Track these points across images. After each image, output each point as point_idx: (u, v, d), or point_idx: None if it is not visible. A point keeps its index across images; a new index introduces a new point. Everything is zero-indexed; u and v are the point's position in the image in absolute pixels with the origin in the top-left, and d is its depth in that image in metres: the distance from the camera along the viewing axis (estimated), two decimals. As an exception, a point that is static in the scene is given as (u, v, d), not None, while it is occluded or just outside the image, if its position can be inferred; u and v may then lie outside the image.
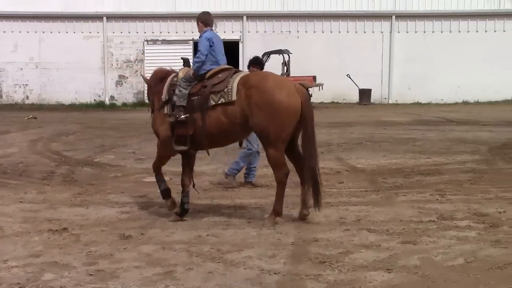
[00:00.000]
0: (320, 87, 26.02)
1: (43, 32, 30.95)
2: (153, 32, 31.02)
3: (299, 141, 7.42)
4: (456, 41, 30.36)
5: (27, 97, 31.18)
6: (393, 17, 30.82)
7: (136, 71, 31.03)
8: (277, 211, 7.35)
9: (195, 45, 30.38)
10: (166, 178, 10.58)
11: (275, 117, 7.10)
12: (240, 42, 30.46)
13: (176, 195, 8.14)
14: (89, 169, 11.78)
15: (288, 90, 7.20)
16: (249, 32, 30.52)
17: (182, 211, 7.75)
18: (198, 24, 8.27)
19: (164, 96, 7.86)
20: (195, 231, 7.04)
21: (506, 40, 30.31)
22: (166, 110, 7.80)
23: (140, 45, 31.01)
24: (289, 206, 7.88)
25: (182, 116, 7.55)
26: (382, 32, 30.99)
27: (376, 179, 10.30)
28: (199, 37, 8.04)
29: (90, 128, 19.52)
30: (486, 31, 30.78)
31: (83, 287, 5.29)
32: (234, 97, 7.32)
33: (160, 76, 8.15)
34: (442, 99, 30.29)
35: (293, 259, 5.96)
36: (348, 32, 30.87)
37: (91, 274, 5.56)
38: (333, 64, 29.02)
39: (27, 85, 31.17)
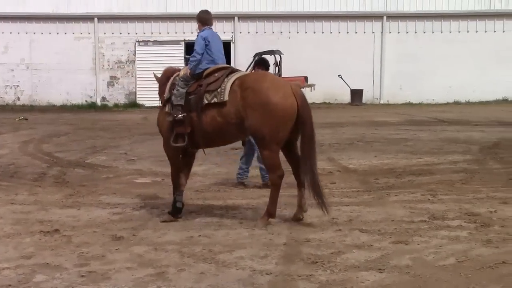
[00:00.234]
0: (312, 87, 26.04)
1: (34, 33, 30.82)
2: (144, 33, 30.95)
3: (298, 143, 7.40)
4: (447, 42, 30.46)
5: (18, 98, 31.05)
6: (385, 17, 30.89)
7: (128, 72, 30.98)
8: (270, 213, 7.35)
9: (187, 46, 30.49)
10: (158, 179, 10.63)
11: (270, 119, 7.07)
12: (231, 43, 30.44)
13: (169, 196, 8.12)
14: (81, 170, 11.75)
15: (284, 92, 7.16)
16: (240, 32, 30.52)
17: (175, 210, 7.73)
18: (197, 23, 8.29)
19: (166, 95, 7.91)
20: (187, 232, 7.04)
21: (496, 40, 30.44)
22: (167, 108, 7.82)
23: (131, 46, 30.94)
24: (282, 207, 7.87)
25: (180, 115, 7.57)
26: (373, 32, 31.05)
27: (368, 179, 10.32)
28: (197, 36, 8.04)
29: (81, 129, 19.47)
30: (476, 32, 30.90)
31: (75, 288, 5.29)
32: (226, 97, 7.32)
33: (167, 75, 8.19)
34: (433, 99, 30.38)
35: (285, 259, 5.97)
36: (339, 32, 30.91)
37: (82, 276, 5.54)
38: (324, 65, 29.05)
39: (18, 86, 31.03)
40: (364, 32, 31.01)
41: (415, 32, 31.04)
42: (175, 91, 7.71)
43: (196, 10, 29.81)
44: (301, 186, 7.42)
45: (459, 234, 6.78)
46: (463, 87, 30.11)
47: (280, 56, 26.51)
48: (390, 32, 31.03)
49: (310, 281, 5.34)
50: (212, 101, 7.42)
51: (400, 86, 30.63)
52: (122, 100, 31.05)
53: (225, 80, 7.46)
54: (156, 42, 30.83)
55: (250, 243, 6.53)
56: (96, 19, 30.71)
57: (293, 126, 7.20)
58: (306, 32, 30.79)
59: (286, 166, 7.54)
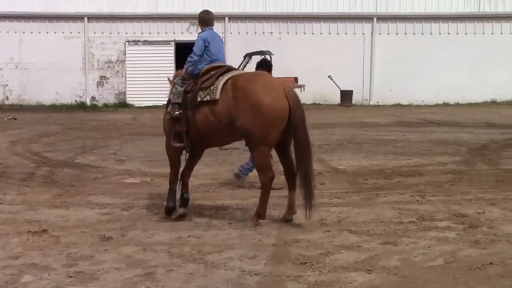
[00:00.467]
0: (302, 88, 26.07)
1: (23, 32, 30.67)
2: (134, 33, 30.87)
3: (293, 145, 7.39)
4: (437, 43, 30.59)
5: (7, 98, 30.88)
6: (374, 19, 30.97)
7: (118, 71, 30.90)
8: (259, 214, 7.34)
9: (177, 46, 30.44)
10: (147, 179, 10.61)
11: (260, 121, 7.04)
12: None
13: (158, 196, 8.09)
14: (70, 170, 11.71)
15: (276, 94, 7.11)
16: (231, 33, 30.50)
17: (183, 202, 7.82)
18: (198, 23, 8.32)
19: (168, 95, 8.02)
20: (176, 232, 7.03)
21: (485, 42, 30.58)
22: (168, 108, 7.88)
23: (121, 45, 30.85)
24: (271, 207, 7.87)
25: (176, 113, 7.64)
26: (363, 33, 31.13)
27: (357, 180, 10.34)
28: (197, 36, 8.07)
29: (70, 129, 19.40)
30: (466, 34, 31.03)
31: (63, 289, 5.27)
32: (217, 96, 7.32)
33: (176, 76, 8.23)
34: (422, 101, 30.49)
35: (274, 260, 5.97)
36: (329, 33, 30.97)
37: (71, 276, 5.52)
38: (314, 66, 29.07)
39: (7, 85, 30.87)
40: (354, 33, 31.07)
41: (405, 34, 31.13)
42: (173, 90, 7.83)
43: (186, 10, 30.08)
44: (292, 188, 7.43)
45: (447, 235, 6.81)
46: (452, 88, 30.24)
47: (270, 57, 26.48)
48: (380, 34, 31.11)
49: (299, 281, 5.34)
50: (205, 99, 7.44)
51: (389, 88, 30.72)
52: (111, 100, 30.95)
53: (219, 78, 7.47)
54: (146, 42, 30.76)
55: (239, 244, 6.53)
56: (86, 19, 30.60)
57: (285, 128, 7.16)
58: (296, 33, 30.82)
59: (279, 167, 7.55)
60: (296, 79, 26.60)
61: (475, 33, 31.03)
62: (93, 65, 31.00)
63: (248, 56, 26.65)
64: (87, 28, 30.72)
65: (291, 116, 7.11)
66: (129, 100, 30.42)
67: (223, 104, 7.28)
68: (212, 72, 7.64)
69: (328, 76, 29.37)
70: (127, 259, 6.04)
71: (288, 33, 30.77)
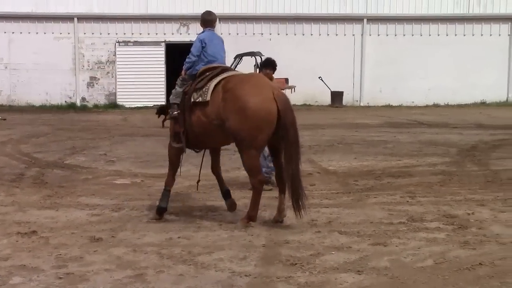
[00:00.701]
0: (292, 89, 26.08)
1: (13, 32, 30.47)
2: (124, 34, 30.77)
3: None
4: (427, 44, 30.66)
5: (-4, 98, 30.74)
6: (365, 20, 31.01)
7: (108, 72, 30.81)
8: (250, 216, 7.33)
9: (167, 47, 30.39)
10: (137, 180, 10.59)
11: (247, 124, 7.04)
12: (212, 44, 30.36)
13: (148, 197, 8.07)
14: (60, 171, 11.67)
15: (263, 97, 7.08)
16: (221, 34, 30.26)
17: (226, 195, 8.06)
18: (200, 24, 8.35)
19: None
20: (166, 233, 7.02)
21: (475, 44, 30.70)
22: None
23: (111, 46, 30.74)
24: (261, 208, 7.87)
25: (175, 113, 7.73)
26: (353, 35, 31.16)
27: (347, 181, 10.37)
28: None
29: (60, 130, 19.34)
30: (456, 35, 31.15)
31: (52, 290, 5.25)
32: (208, 97, 7.36)
33: None
34: (413, 102, 30.56)
35: (264, 261, 5.98)
36: (320, 34, 30.98)
37: (60, 278, 5.50)
38: (305, 67, 29.09)
39: (-4, 86, 30.73)
40: (345, 35, 31.11)
41: (395, 35, 31.20)
42: (173, 90, 7.91)
43: (176, 11, 30.09)
44: (282, 191, 7.43)
45: (437, 236, 6.84)
46: (442, 90, 30.33)
47: (261, 58, 26.49)
48: (370, 35, 31.16)
49: (289, 282, 5.35)
50: (197, 100, 7.48)
51: (380, 89, 30.77)
52: (102, 100, 30.84)
53: (212, 79, 7.49)
54: (136, 43, 30.67)
55: (230, 245, 6.53)
56: (76, 19, 30.46)
57: (274, 131, 7.14)
58: (286, 34, 30.83)
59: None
60: (286, 80, 26.59)
61: (464, 35, 31.14)
62: (83, 66, 30.88)
63: (239, 57, 26.65)
64: (77, 29, 30.59)
65: (281, 119, 7.07)
66: (120, 101, 30.33)
67: (214, 105, 7.30)
68: (207, 73, 7.65)
69: (319, 77, 29.40)
70: (117, 260, 6.02)
71: (278, 34, 30.79)
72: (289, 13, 30.75)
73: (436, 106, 30.42)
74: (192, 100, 7.53)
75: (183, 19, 30.62)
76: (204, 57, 7.86)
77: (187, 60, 7.94)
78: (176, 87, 7.89)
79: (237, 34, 30.52)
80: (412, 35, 31.10)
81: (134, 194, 9.37)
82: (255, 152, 7.23)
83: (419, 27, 31.11)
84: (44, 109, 29.14)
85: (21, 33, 30.49)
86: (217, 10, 29.99)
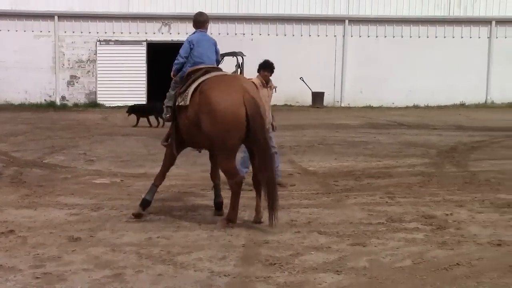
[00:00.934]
0: (274, 89, 26.06)
1: (-8, 30, 30.30)
2: (105, 32, 30.64)
3: None
4: (407, 46, 30.88)
5: (-25, 97, 30.45)
6: (346, 21, 31.14)
7: (88, 71, 30.64)
8: (230, 218, 7.30)
9: (149, 46, 30.29)
10: (117, 179, 10.54)
11: (217, 127, 7.05)
12: (194, 44, 30.31)
13: (127, 197, 8.02)
14: (38, 170, 11.58)
15: (232, 101, 7.02)
16: (203, 34, 30.39)
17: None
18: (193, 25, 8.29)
19: None
20: (145, 233, 6.99)
21: (455, 46, 30.97)
22: None
23: (92, 45, 30.59)
24: (241, 209, 7.86)
25: (167, 116, 7.83)
26: (335, 36, 31.28)
27: (328, 181, 10.39)
28: None
29: (40, 129, 19.20)
30: (436, 37, 31.38)
31: (30, 290, 5.21)
32: (188, 101, 7.42)
33: None
34: (393, 103, 30.74)
35: (244, 261, 5.97)
36: (301, 35, 31.06)
37: (37, 277, 5.46)
38: (286, 67, 29.02)
39: (-25, 84, 30.44)
40: (326, 35, 31.22)
41: (376, 36, 31.38)
42: (167, 94, 7.90)
43: (158, 10, 29.99)
44: (258, 193, 7.44)
45: (416, 236, 6.88)
46: (423, 91, 30.54)
47: (243, 58, 26.51)
48: (351, 36, 31.29)
49: (268, 282, 5.35)
50: (181, 104, 7.53)
51: (360, 89, 30.91)
52: (82, 99, 30.67)
53: (193, 83, 7.49)
54: (117, 42, 30.54)
55: (209, 245, 6.52)
56: (56, 17, 30.28)
57: (246, 134, 7.10)
58: (268, 34, 30.87)
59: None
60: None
61: (445, 37, 31.39)
62: (63, 65, 30.69)
63: (221, 57, 26.57)
64: (57, 27, 30.41)
65: (249, 122, 7.01)
66: (100, 100, 30.19)
67: (192, 109, 7.36)
68: (191, 76, 7.66)
69: (300, 78, 29.46)
70: (96, 260, 5.99)
71: (260, 34, 30.82)
72: (271, 13, 30.80)
73: (416, 107, 30.62)
74: (177, 103, 7.60)
75: (164, 19, 30.56)
76: (191, 59, 7.85)
77: (175, 61, 7.95)
78: (170, 90, 7.91)
79: (219, 34, 30.39)
80: (393, 36, 31.29)
81: (114, 193, 9.32)
82: (228, 155, 7.22)
83: (400, 28, 31.32)
84: (23, 107, 28.92)
85: (0, 30, 30.22)
86: (199, 10, 30.15)
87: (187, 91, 7.47)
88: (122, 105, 28.43)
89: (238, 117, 6.98)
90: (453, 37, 31.37)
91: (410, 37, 31.34)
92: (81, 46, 30.62)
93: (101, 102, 30.05)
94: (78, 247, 6.41)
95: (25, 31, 30.35)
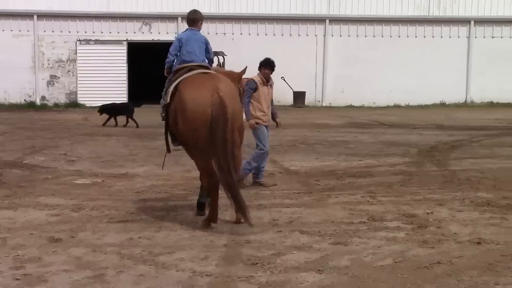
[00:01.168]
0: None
1: (-30, 29, 30.00)
2: (86, 32, 30.46)
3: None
4: (388, 45, 31.07)
5: (-47, 97, 30.11)
6: (327, 20, 31.25)
7: (69, 71, 30.45)
8: (210, 219, 7.27)
9: (129, 45, 30.16)
10: (98, 180, 10.48)
11: (187, 125, 7.13)
12: (174, 43, 30.27)
13: (108, 197, 7.95)
14: (18, 171, 11.47)
15: (199, 100, 7.02)
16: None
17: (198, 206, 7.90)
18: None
19: None
20: (127, 233, 6.95)
21: (435, 45, 31.23)
22: None
23: (72, 44, 30.40)
24: (222, 208, 7.85)
25: (163, 114, 7.81)
26: (316, 35, 31.38)
27: (309, 181, 10.41)
28: None
29: (19, 129, 19.04)
30: (416, 36, 31.60)
31: (10, 292, 5.16)
32: (167, 100, 7.52)
33: None
34: (374, 102, 30.89)
35: (226, 261, 5.97)
36: (282, 35, 31.12)
37: (17, 279, 5.41)
38: (268, 67, 29.14)
39: (-47, 84, 30.10)
40: (307, 35, 31.30)
41: (357, 36, 31.52)
42: (163, 93, 7.88)
43: (139, 9, 29.80)
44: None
45: (397, 235, 6.91)
46: (403, 90, 30.73)
47: (224, 58, 26.52)
48: (332, 35, 31.40)
49: (250, 282, 5.35)
50: (166, 102, 7.61)
51: (342, 89, 31.04)
52: (62, 99, 30.47)
53: (175, 80, 7.55)
54: (98, 41, 30.38)
55: (191, 245, 6.50)
56: (35, 17, 30.05)
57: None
58: (249, 34, 30.89)
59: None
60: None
61: (424, 36, 31.62)
62: (43, 64, 30.47)
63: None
64: (37, 26, 30.19)
65: (212, 122, 6.95)
66: (81, 100, 30.02)
67: (172, 107, 7.46)
68: (176, 75, 7.69)
69: (281, 77, 29.42)
70: (77, 261, 5.95)
71: (241, 34, 30.83)
72: (252, 13, 30.82)
73: (397, 106, 30.80)
74: (164, 102, 7.66)
75: (145, 18, 30.45)
76: (179, 57, 7.86)
77: (166, 60, 8.01)
78: (164, 89, 7.90)
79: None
80: (374, 36, 31.47)
81: (95, 194, 9.26)
82: (198, 152, 7.26)
83: (381, 28, 31.49)
84: (3, 108, 28.64)
85: (-22, 30, 29.97)
86: (180, 10, 30.15)
87: (168, 89, 7.54)
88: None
89: (204, 116, 6.98)
90: (433, 37, 31.62)
91: (391, 36, 31.52)
92: (61, 46, 30.42)
93: (81, 102, 29.88)
94: (59, 248, 6.36)
95: (3, 30, 30.10)
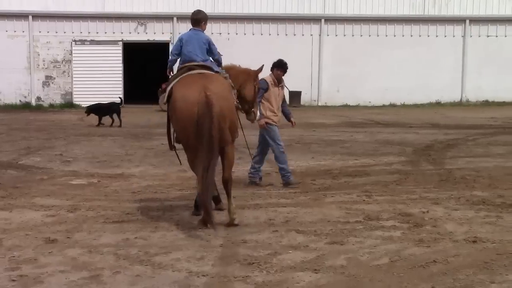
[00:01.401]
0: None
1: (-36, 29, 29.92)
2: (81, 32, 30.43)
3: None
4: (383, 45, 31.09)
5: None
6: (322, 20, 31.27)
7: (64, 71, 30.41)
8: (204, 221, 7.23)
9: (125, 46, 30.13)
10: (94, 180, 10.47)
11: (177, 124, 7.30)
12: (170, 44, 30.23)
13: (104, 198, 7.94)
14: (14, 171, 11.45)
15: (188, 99, 7.07)
16: (179, 33, 30.09)
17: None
18: None
19: None
20: (123, 234, 6.94)
21: (430, 45, 31.28)
22: None
23: (67, 45, 30.36)
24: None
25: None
26: (311, 35, 31.40)
27: (305, 180, 10.40)
28: None
29: (15, 130, 19.01)
30: (411, 36, 31.63)
31: (5, 293, 5.15)
32: (165, 99, 7.64)
33: None
34: (370, 102, 30.93)
35: (222, 261, 5.96)
36: (278, 34, 31.13)
37: (13, 280, 5.40)
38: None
39: None
40: (303, 35, 31.31)
41: (352, 35, 31.53)
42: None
43: (134, 10, 29.71)
44: (227, 194, 7.43)
45: (393, 234, 6.92)
46: (399, 90, 30.78)
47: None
48: (328, 35, 31.43)
49: (246, 282, 5.35)
50: (164, 101, 7.74)
51: (337, 88, 31.06)
52: (58, 100, 30.44)
53: (173, 80, 7.58)
54: (93, 42, 30.36)
55: (187, 245, 6.50)
56: (30, 17, 30.03)
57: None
58: (245, 34, 30.91)
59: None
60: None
61: (420, 36, 31.66)
62: (39, 65, 30.43)
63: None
64: (32, 27, 30.15)
65: (199, 121, 6.97)
66: (76, 100, 29.99)
67: (170, 106, 7.51)
68: (176, 74, 7.73)
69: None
70: (73, 261, 5.94)
71: (236, 33, 30.83)
72: (248, 12, 30.83)
73: (392, 105, 30.85)
74: (164, 102, 7.80)
75: (140, 18, 30.42)
76: (182, 57, 7.88)
77: (168, 59, 8.08)
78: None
79: (195, 33, 30.40)
80: (369, 35, 31.50)
81: (90, 194, 9.25)
82: (188, 151, 7.32)
83: (376, 27, 31.53)
84: (-2, 108, 28.60)
85: (-27, 30, 29.90)
86: (175, 10, 30.12)
87: (166, 89, 7.60)
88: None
89: (189, 117, 7.02)
90: (428, 36, 31.67)
91: (386, 36, 31.55)
92: (56, 46, 30.39)
93: (77, 103, 29.83)
94: (55, 249, 6.35)
95: (-2, 31, 30.08)
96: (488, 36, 31.96)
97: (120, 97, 21.77)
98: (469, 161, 12.45)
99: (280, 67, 10.00)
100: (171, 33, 30.41)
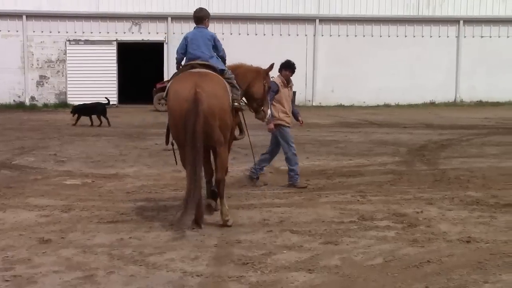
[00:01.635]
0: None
1: (-42, 29, 29.82)
2: (75, 32, 30.37)
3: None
4: (378, 45, 31.13)
5: None
6: (317, 20, 31.29)
7: (58, 71, 30.35)
8: (195, 220, 7.21)
9: (119, 46, 30.08)
10: (88, 180, 10.45)
11: (170, 121, 7.38)
12: (164, 44, 30.26)
13: (98, 198, 7.92)
14: (7, 171, 11.42)
15: (180, 97, 7.09)
16: (174, 33, 30.24)
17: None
18: None
19: None
20: (117, 234, 6.94)
21: (424, 45, 31.34)
22: None
23: (62, 45, 30.29)
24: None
25: None
26: (306, 35, 31.41)
27: (300, 180, 10.40)
28: None
29: (8, 130, 18.95)
30: (406, 36, 31.68)
31: (-1, 293, 5.14)
32: (164, 96, 7.75)
33: None
34: (364, 102, 30.96)
35: (216, 261, 5.97)
36: (272, 34, 31.14)
37: (7, 280, 5.39)
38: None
39: None
40: (297, 35, 31.33)
41: (347, 36, 31.55)
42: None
43: (128, 9, 29.65)
44: (219, 194, 7.46)
45: (387, 234, 6.93)
46: (393, 90, 30.83)
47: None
48: (322, 35, 31.45)
49: (241, 282, 5.35)
50: (164, 98, 7.93)
51: (332, 89, 31.08)
52: (52, 100, 30.38)
53: (173, 78, 7.70)
54: (87, 42, 30.30)
55: (181, 245, 6.50)
56: (24, 17, 29.94)
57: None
58: (239, 34, 30.90)
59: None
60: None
61: (414, 36, 31.72)
62: (33, 65, 30.35)
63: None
64: (26, 26, 30.07)
65: (185, 119, 6.98)
66: (70, 100, 29.86)
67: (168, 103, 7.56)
68: (176, 73, 7.80)
69: (271, 77, 29.49)
70: (67, 261, 5.93)
71: (231, 34, 30.80)
72: (242, 13, 30.82)
73: (386, 106, 30.89)
74: (163, 98, 7.92)
75: (135, 18, 30.37)
76: (187, 55, 7.88)
77: (175, 56, 8.09)
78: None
79: (190, 33, 30.37)
80: (364, 36, 31.54)
81: (85, 194, 9.23)
82: (181, 150, 7.33)
83: (370, 28, 31.57)
84: (-8, 108, 28.52)
85: (-34, 30, 29.81)
86: (170, 10, 30.08)
87: (167, 87, 7.67)
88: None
89: (180, 111, 7.05)
90: (422, 37, 31.74)
91: (380, 36, 31.60)
92: (50, 46, 30.32)
93: (71, 102, 29.69)
94: (49, 249, 6.34)
95: (-8, 30, 29.99)
96: (482, 36, 32.04)
97: (106, 97, 21.70)
98: (463, 162, 12.48)
99: (288, 67, 10.05)
100: (165, 33, 30.37)
